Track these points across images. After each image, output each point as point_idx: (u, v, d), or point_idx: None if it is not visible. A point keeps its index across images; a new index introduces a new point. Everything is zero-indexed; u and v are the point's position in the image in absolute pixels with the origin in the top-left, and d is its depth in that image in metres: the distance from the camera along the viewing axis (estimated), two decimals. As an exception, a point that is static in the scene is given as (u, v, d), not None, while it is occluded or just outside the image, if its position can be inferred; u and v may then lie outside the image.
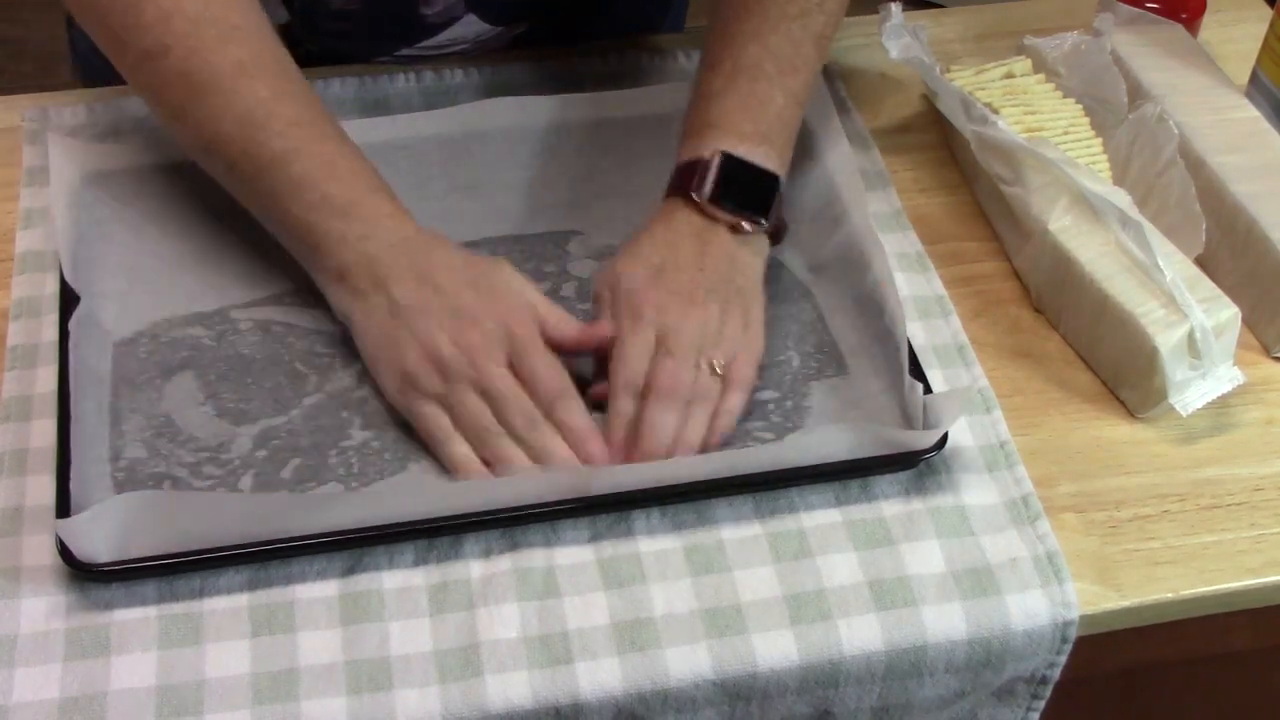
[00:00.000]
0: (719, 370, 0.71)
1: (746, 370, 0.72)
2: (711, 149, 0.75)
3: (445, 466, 0.69)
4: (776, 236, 0.77)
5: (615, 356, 0.71)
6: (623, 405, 0.70)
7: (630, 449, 0.69)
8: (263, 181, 0.72)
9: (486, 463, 0.68)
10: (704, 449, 0.70)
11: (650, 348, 0.71)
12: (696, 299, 0.72)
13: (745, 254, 0.75)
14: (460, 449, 0.68)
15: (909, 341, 0.73)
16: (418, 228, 0.73)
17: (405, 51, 0.92)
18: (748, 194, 0.75)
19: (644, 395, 0.70)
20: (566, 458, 0.68)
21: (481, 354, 0.68)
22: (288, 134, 0.71)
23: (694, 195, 0.74)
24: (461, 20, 0.91)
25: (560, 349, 0.71)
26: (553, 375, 0.69)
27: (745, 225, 0.74)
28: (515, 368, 0.69)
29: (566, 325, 0.71)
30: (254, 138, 0.71)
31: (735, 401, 0.71)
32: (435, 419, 0.69)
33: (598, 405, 0.71)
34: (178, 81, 0.72)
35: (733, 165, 0.74)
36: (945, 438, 0.69)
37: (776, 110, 0.76)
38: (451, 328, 0.69)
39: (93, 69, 0.99)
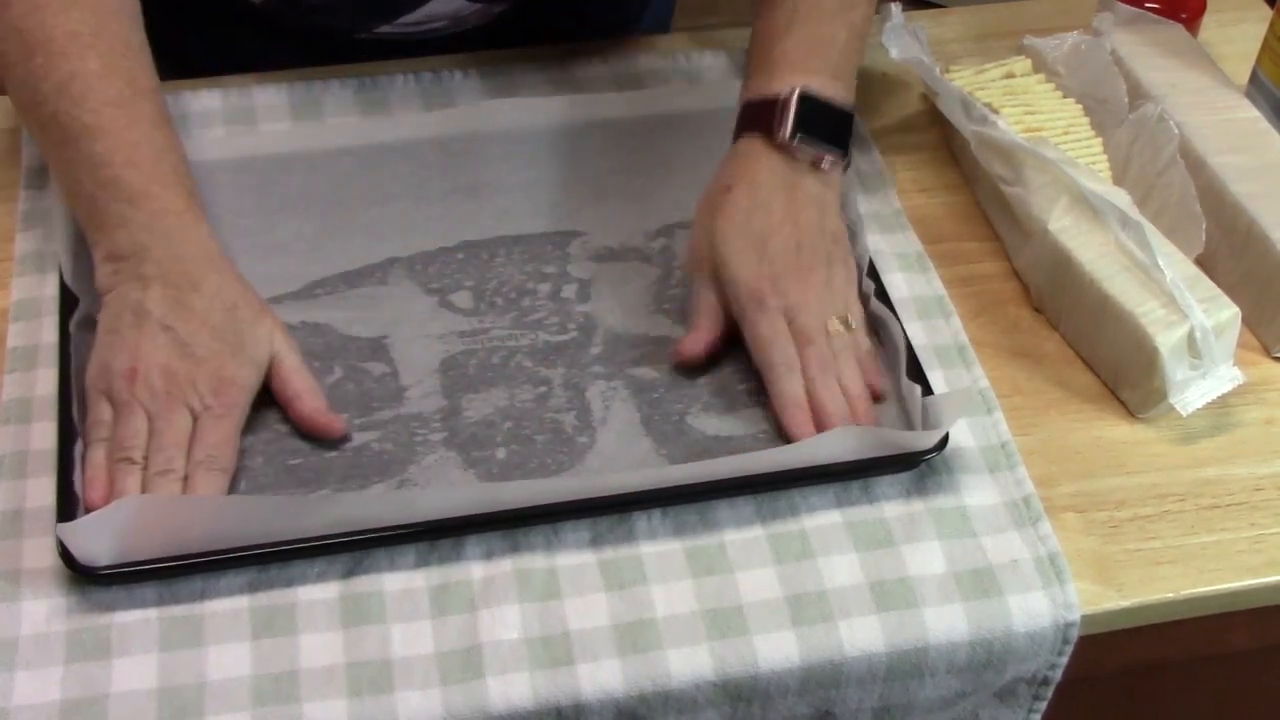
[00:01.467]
0: (850, 324, 0.73)
1: (859, 309, 0.75)
2: (787, 86, 0.75)
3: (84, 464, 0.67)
4: (848, 165, 0.79)
5: (756, 346, 0.72)
6: (786, 386, 0.71)
7: (819, 421, 0.70)
8: (65, 151, 0.72)
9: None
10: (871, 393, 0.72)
11: (784, 330, 0.72)
12: (803, 265, 0.73)
13: (828, 194, 0.76)
14: (97, 456, 0.66)
15: (909, 343, 0.73)
16: (206, 235, 0.72)
17: (385, 29, 0.91)
18: (826, 130, 0.76)
19: (805, 380, 0.71)
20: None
21: (175, 396, 0.67)
22: (100, 111, 0.72)
23: (776, 135, 0.75)
24: None
25: (286, 404, 0.70)
26: (219, 440, 0.67)
27: (826, 162, 0.75)
28: (196, 420, 0.68)
29: (305, 399, 0.70)
30: (65, 108, 0.72)
31: (865, 340, 0.74)
32: (99, 418, 0.67)
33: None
34: (12, 36, 0.73)
35: (810, 102, 0.75)
36: (946, 438, 0.69)
37: (840, 47, 0.78)
38: (168, 356, 0.68)
39: None
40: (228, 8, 0.91)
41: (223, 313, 0.70)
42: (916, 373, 0.72)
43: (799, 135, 0.75)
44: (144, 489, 0.65)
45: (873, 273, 0.77)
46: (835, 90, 0.77)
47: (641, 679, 0.62)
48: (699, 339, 0.74)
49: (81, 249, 0.76)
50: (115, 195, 0.71)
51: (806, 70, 0.76)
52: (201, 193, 0.76)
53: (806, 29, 0.77)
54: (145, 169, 0.72)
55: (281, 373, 0.71)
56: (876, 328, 0.76)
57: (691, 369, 0.74)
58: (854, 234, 0.78)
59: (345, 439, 0.70)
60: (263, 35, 0.93)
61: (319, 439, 0.70)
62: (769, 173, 0.75)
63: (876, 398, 0.73)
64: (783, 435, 0.71)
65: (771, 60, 0.77)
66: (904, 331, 0.74)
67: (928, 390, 0.71)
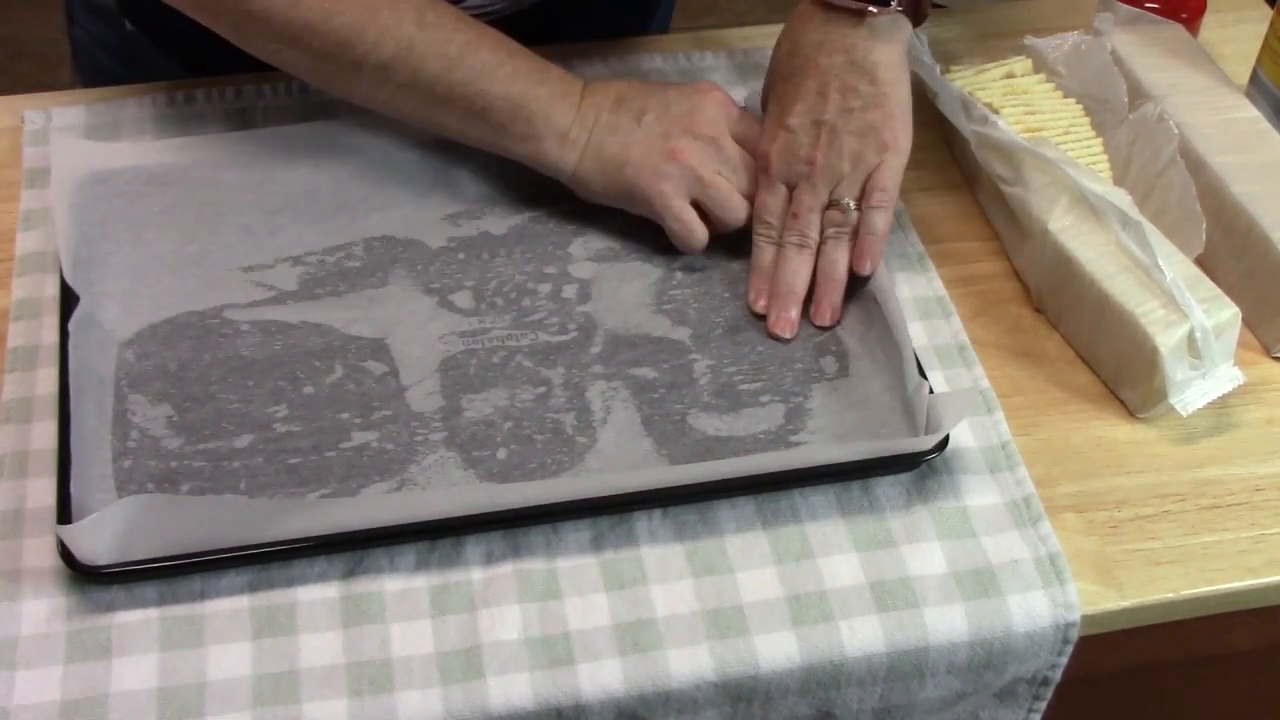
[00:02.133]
0: (849, 205, 0.76)
1: (886, 181, 0.76)
2: None
3: (677, 223, 0.78)
4: (920, 12, 0.78)
5: (756, 201, 0.79)
6: (759, 249, 0.78)
7: (772, 295, 0.76)
8: (455, 74, 0.75)
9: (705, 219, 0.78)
10: (859, 274, 0.76)
11: (778, 203, 0.78)
12: (820, 141, 0.76)
13: (877, 49, 0.76)
14: (689, 212, 0.78)
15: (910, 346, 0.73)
16: (597, 80, 0.80)
17: None
18: None
19: (777, 256, 0.77)
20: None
21: (701, 133, 0.78)
22: (459, 28, 0.76)
23: None
24: None
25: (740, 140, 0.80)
26: (745, 157, 0.79)
27: (872, 8, 0.76)
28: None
29: (748, 120, 0.80)
30: (433, 38, 0.75)
31: (876, 220, 0.76)
32: (680, 176, 0.77)
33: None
34: (347, 8, 0.74)
35: None
36: (946, 439, 0.69)
37: None
38: (668, 122, 0.78)
39: (93, 70, 0.99)
40: None
41: (654, 90, 0.80)
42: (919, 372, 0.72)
43: None
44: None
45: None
46: None
47: (642, 679, 0.62)
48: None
49: (83, 248, 0.76)
50: (530, 83, 0.77)
51: None
52: (203, 190, 0.76)
53: None
54: (523, 54, 0.78)
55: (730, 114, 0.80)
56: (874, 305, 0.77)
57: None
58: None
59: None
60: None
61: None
62: (811, 31, 0.78)
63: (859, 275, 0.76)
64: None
65: None
66: (904, 326, 0.74)
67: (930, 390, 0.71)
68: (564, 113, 0.78)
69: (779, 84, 0.79)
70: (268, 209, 0.82)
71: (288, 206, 0.82)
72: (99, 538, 0.63)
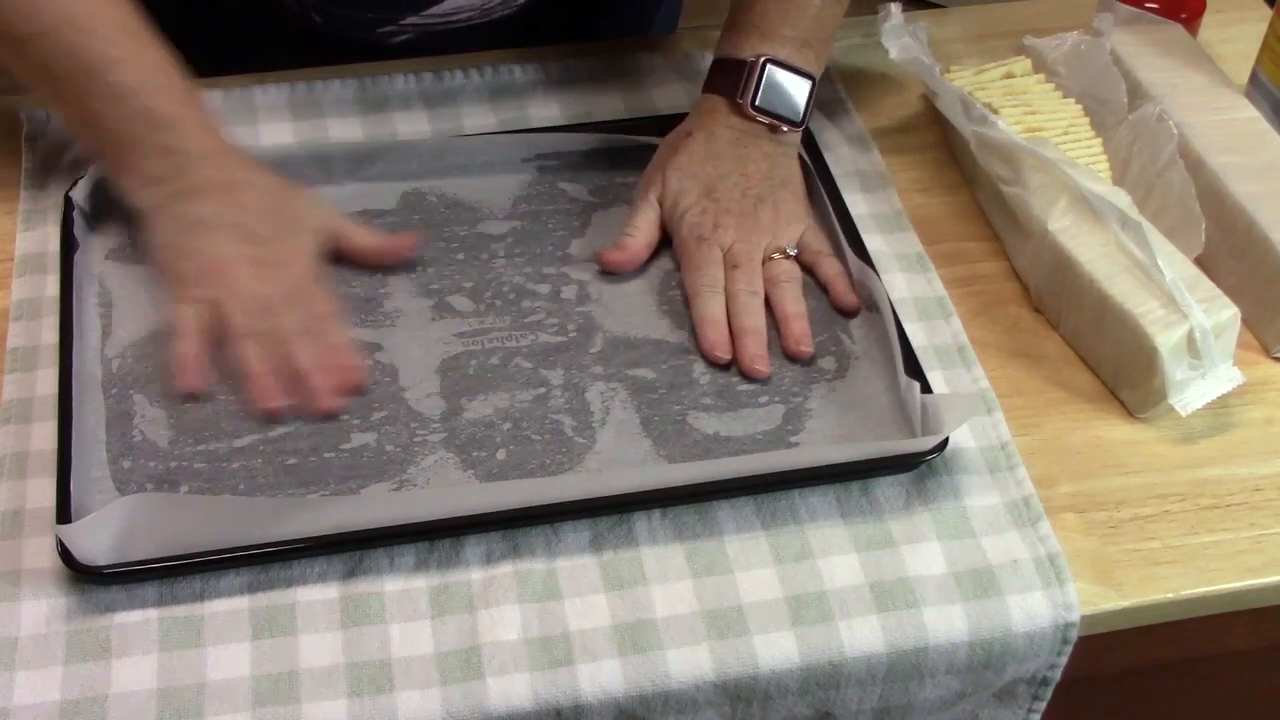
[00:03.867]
0: (790, 253, 0.78)
1: (818, 244, 0.79)
2: (755, 53, 0.80)
3: (175, 362, 0.72)
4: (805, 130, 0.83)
5: (686, 271, 0.78)
6: (706, 302, 0.76)
7: (737, 343, 0.74)
8: (80, 82, 0.72)
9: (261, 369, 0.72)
10: (848, 310, 0.77)
11: (719, 259, 0.77)
12: (746, 209, 0.78)
13: (783, 152, 0.81)
14: (193, 343, 0.72)
15: (907, 341, 0.73)
16: (233, 149, 0.76)
17: (412, 20, 0.92)
18: (787, 99, 0.80)
19: (728, 299, 0.76)
20: (318, 367, 0.71)
21: (260, 277, 0.73)
22: (112, 40, 0.72)
23: (738, 100, 0.79)
24: None
25: (363, 259, 0.78)
26: (325, 309, 0.74)
27: (784, 128, 0.80)
28: (290, 295, 0.73)
29: (367, 235, 0.78)
30: (77, 40, 0.72)
31: (832, 264, 0.79)
32: (193, 316, 0.72)
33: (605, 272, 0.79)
34: None
35: (775, 70, 0.79)
36: (946, 440, 0.69)
37: (814, 12, 0.81)
38: (239, 251, 0.73)
39: None
40: (249, 8, 0.91)
41: (268, 193, 0.75)
42: (914, 370, 0.72)
43: (758, 102, 0.79)
44: (277, 361, 0.71)
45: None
46: (804, 58, 0.80)
47: (641, 679, 0.62)
48: (631, 245, 0.79)
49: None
50: (146, 125, 0.73)
51: (776, 37, 0.80)
52: None
53: None
54: (167, 94, 0.73)
55: (344, 232, 0.77)
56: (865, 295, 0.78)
57: (622, 275, 0.79)
58: (817, 193, 0.82)
59: (412, 263, 0.78)
60: (268, 40, 0.92)
61: (393, 264, 0.77)
62: (727, 128, 0.80)
63: (852, 311, 0.77)
64: (700, 352, 0.75)
65: (746, 22, 0.81)
66: (899, 326, 0.74)
67: (926, 388, 0.71)
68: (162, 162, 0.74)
69: (693, 164, 0.80)
70: None
71: None
72: (98, 537, 0.63)
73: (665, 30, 1.08)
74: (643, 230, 0.79)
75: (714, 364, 0.74)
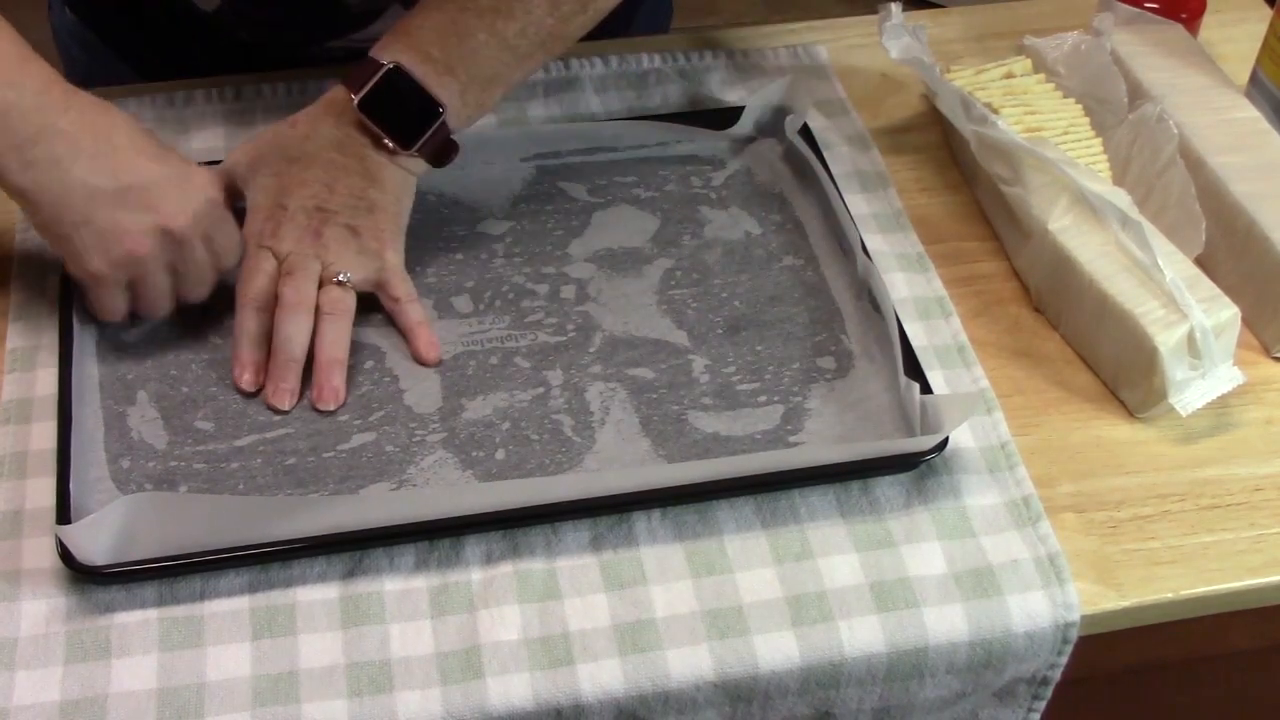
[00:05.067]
0: (346, 281, 0.72)
1: (397, 282, 0.74)
2: (390, 57, 0.74)
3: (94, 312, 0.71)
4: (440, 160, 0.76)
5: (240, 279, 0.73)
6: (246, 319, 0.72)
7: (271, 366, 0.71)
8: None
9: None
10: (429, 363, 0.73)
11: (271, 271, 0.73)
12: (312, 226, 0.73)
13: (389, 171, 0.75)
14: (112, 302, 0.71)
15: (907, 341, 0.73)
16: (90, 96, 0.70)
17: (336, 44, 0.91)
18: (405, 115, 0.74)
19: (275, 319, 0.72)
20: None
21: (186, 241, 0.70)
22: None
23: (351, 96, 0.74)
24: (389, 12, 0.89)
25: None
26: (230, 242, 0.73)
27: (388, 143, 0.74)
28: (204, 239, 0.71)
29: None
30: None
31: (415, 310, 0.74)
32: (111, 304, 0.71)
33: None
34: None
35: (400, 80, 0.73)
36: (946, 440, 0.69)
37: (473, 46, 0.75)
38: (135, 202, 0.69)
39: (67, 61, 0.98)
40: (181, 16, 0.90)
41: (146, 143, 0.71)
42: (914, 370, 0.72)
43: (367, 110, 0.74)
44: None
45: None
46: (440, 85, 0.74)
47: (641, 679, 0.62)
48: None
49: None
50: None
51: (422, 54, 0.74)
52: None
53: (447, 15, 0.75)
54: (10, 54, 0.68)
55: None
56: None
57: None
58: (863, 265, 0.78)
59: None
60: (216, 46, 0.92)
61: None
62: (334, 128, 0.75)
63: (431, 363, 0.74)
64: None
65: (401, 29, 0.75)
66: (900, 327, 0.74)
67: (926, 388, 0.71)
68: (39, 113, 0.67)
69: (281, 161, 0.75)
70: None
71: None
72: (98, 538, 0.63)
73: (650, 31, 1.07)
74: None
75: (240, 390, 0.71)
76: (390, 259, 0.75)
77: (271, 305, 0.72)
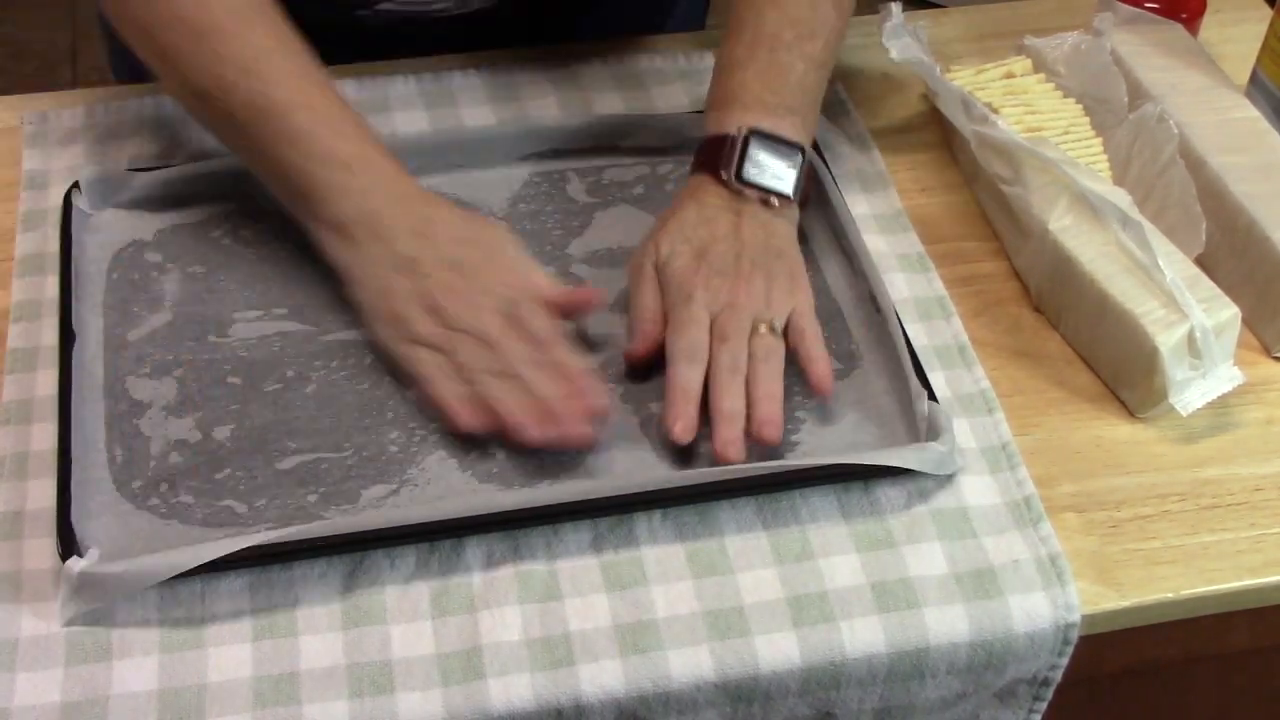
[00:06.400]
0: (776, 330, 0.72)
1: (806, 323, 0.73)
2: (738, 126, 0.76)
3: (436, 406, 0.70)
4: (805, 201, 0.79)
5: (671, 331, 0.72)
6: (682, 372, 0.70)
7: (714, 420, 0.69)
8: (261, 128, 0.73)
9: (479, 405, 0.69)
10: (820, 389, 0.71)
11: (705, 323, 0.72)
12: (742, 272, 0.73)
13: (778, 222, 0.77)
14: (452, 386, 0.70)
15: (911, 346, 0.73)
16: (417, 186, 0.75)
17: (387, 6, 0.91)
18: (772, 169, 0.76)
19: (711, 374, 0.70)
20: (560, 396, 0.68)
21: (477, 304, 0.71)
22: (289, 84, 0.73)
23: (722, 174, 0.76)
24: None
25: (551, 311, 0.73)
26: (547, 325, 0.71)
27: (774, 200, 0.76)
28: (510, 319, 0.71)
29: (557, 288, 0.73)
30: (254, 86, 0.72)
31: (817, 348, 0.72)
32: (431, 358, 0.70)
33: (633, 371, 0.74)
34: (176, 25, 0.73)
35: (759, 142, 0.76)
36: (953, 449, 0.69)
37: (798, 78, 0.78)
38: (449, 280, 0.71)
39: (119, 65, 0.98)
40: None
41: (464, 228, 0.74)
42: (922, 379, 0.72)
43: (744, 176, 0.75)
44: (524, 394, 0.68)
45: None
46: (790, 127, 0.77)
47: (642, 680, 0.62)
48: (649, 332, 0.73)
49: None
50: (331, 166, 0.72)
51: (761, 107, 0.77)
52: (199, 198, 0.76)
53: (761, 61, 0.78)
54: (350, 136, 0.74)
55: (532, 273, 0.74)
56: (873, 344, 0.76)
57: (641, 373, 0.73)
58: (819, 261, 0.79)
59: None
60: None
61: (571, 317, 0.74)
62: (717, 199, 0.76)
63: (824, 395, 0.72)
64: (659, 425, 0.70)
65: (728, 95, 0.78)
66: (908, 339, 0.73)
67: (931, 396, 0.71)
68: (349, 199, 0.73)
69: (686, 227, 0.75)
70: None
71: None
72: (100, 590, 0.62)
73: (686, 27, 1.07)
74: (651, 308, 0.74)
75: (673, 442, 0.69)
76: (802, 299, 0.74)
77: (704, 356, 0.71)
